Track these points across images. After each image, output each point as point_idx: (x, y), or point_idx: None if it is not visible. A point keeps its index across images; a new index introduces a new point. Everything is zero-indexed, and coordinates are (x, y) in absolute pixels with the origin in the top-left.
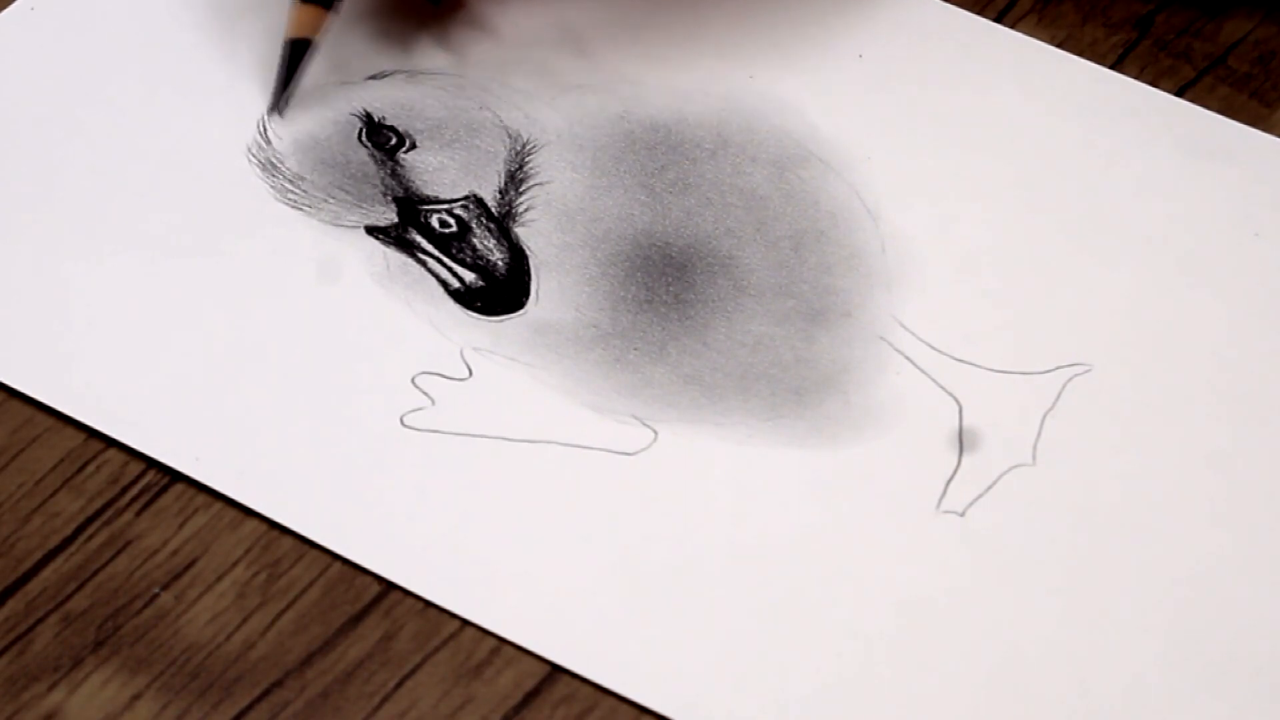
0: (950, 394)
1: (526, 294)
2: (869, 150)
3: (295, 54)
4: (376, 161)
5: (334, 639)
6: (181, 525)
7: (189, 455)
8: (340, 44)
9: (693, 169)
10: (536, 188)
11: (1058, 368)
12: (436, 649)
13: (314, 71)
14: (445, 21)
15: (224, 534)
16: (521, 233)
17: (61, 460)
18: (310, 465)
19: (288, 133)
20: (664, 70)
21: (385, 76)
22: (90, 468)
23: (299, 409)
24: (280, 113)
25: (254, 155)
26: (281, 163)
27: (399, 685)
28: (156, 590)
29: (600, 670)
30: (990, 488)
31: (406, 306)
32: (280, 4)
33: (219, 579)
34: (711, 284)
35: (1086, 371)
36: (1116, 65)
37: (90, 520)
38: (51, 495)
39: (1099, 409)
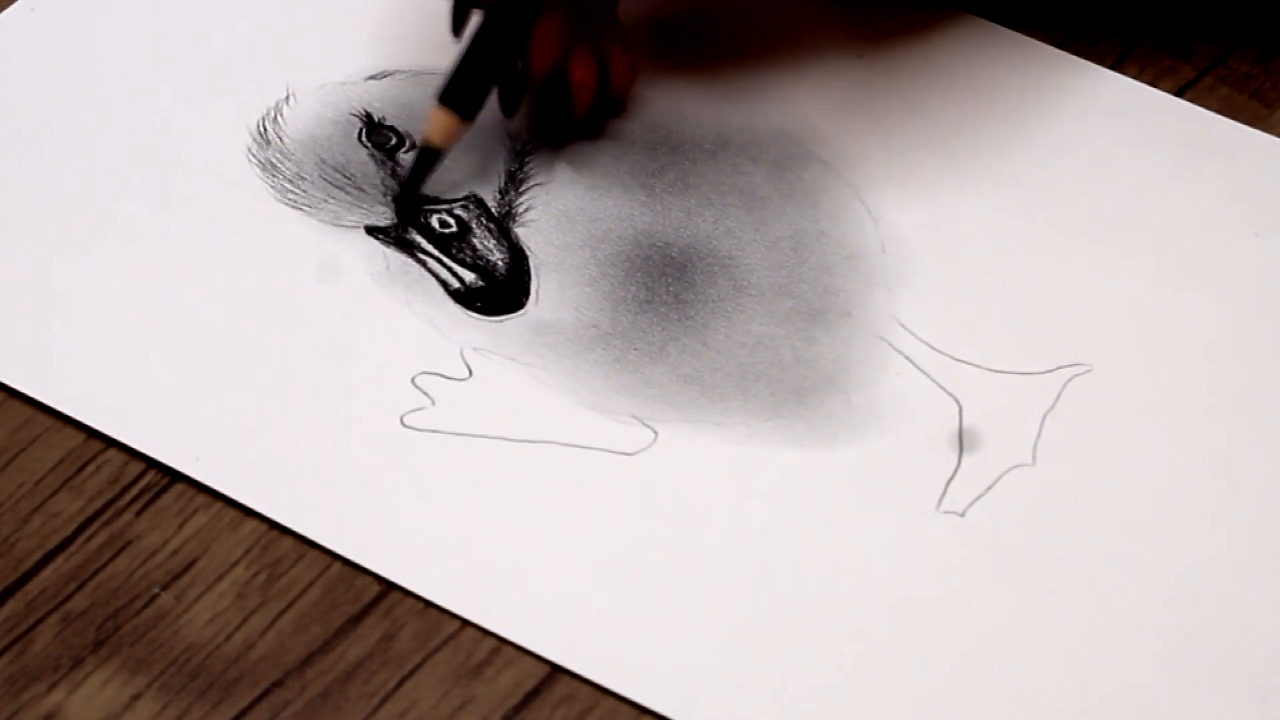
0: (950, 394)
1: (526, 294)
2: (869, 150)
3: (427, 160)
4: (376, 161)
5: (334, 639)
6: (181, 525)
7: (189, 455)
8: (340, 44)
9: (693, 169)
10: (536, 188)
11: (1058, 368)
12: (436, 649)
13: (314, 71)
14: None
15: (224, 534)
16: (521, 233)
17: (61, 460)
18: (310, 465)
19: (287, 133)
20: (664, 71)
21: (385, 76)
22: (90, 468)
23: (299, 409)
24: (402, 218)
25: (254, 155)
26: (281, 163)
27: (399, 685)
28: (156, 590)
29: (600, 670)
30: (990, 488)
31: (406, 306)
32: (281, 3)
33: (219, 579)
34: (711, 284)
35: (1086, 371)
36: (1116, 65)
37: (90, 520)
38: (51, 495)
39: (1099, 409)
